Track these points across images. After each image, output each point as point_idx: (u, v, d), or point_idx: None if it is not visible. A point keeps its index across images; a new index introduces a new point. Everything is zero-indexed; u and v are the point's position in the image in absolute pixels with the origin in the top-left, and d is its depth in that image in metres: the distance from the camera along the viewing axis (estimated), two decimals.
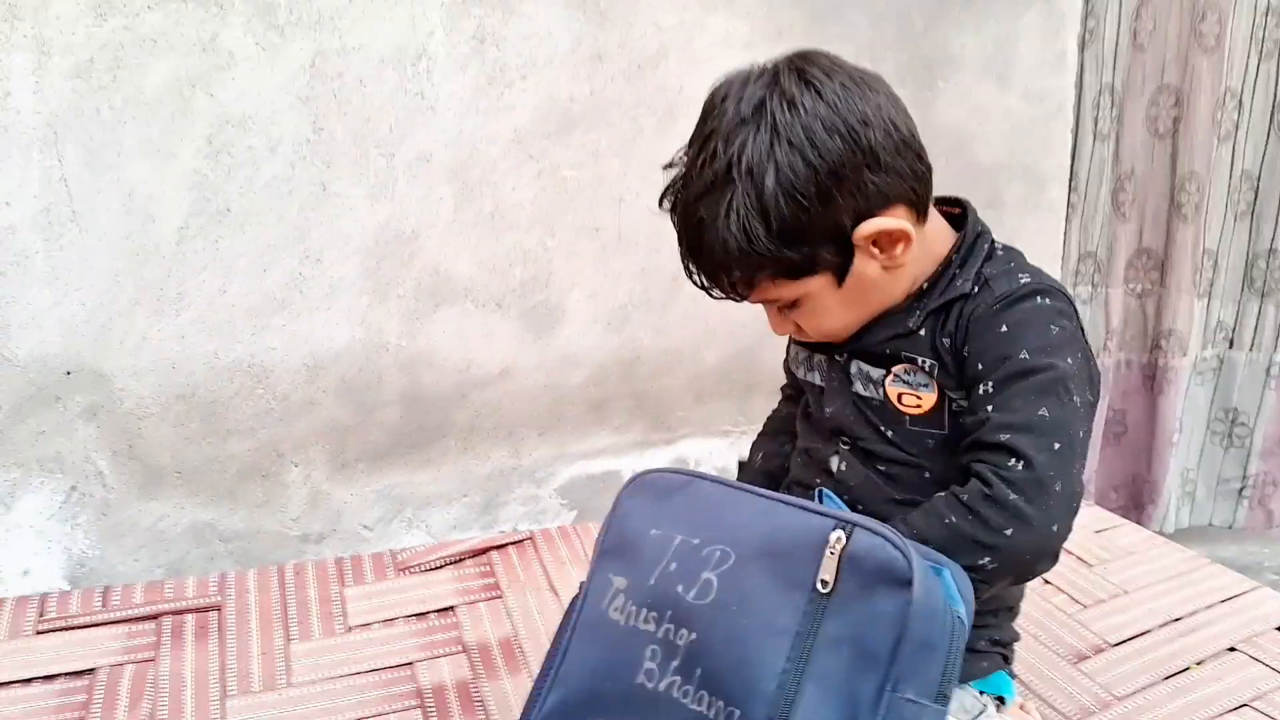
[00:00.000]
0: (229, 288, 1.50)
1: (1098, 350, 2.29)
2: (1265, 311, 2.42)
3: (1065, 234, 2.16)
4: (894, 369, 0.90)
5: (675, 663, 0.76)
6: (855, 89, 0.82)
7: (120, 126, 1.40)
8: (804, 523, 0.77)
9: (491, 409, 1.67)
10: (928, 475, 0.90)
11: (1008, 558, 0.80)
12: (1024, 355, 0.82)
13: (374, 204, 1.55)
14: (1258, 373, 2.44)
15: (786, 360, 1.10)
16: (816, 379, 0.97)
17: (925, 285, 0.89)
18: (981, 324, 0.85)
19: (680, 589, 0.78)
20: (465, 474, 1.68)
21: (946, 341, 0.87)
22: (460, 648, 1.30)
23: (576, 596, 0.88)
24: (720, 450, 1.82)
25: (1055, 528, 0.80)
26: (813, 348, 0.97)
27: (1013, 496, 0.79)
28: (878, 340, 0.90)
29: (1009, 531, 0.79)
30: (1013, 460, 0.80)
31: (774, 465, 1.09)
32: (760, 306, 0.92)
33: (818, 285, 0.85)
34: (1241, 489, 2.47)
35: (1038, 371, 0.82)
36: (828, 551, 0.73)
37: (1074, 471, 0.81)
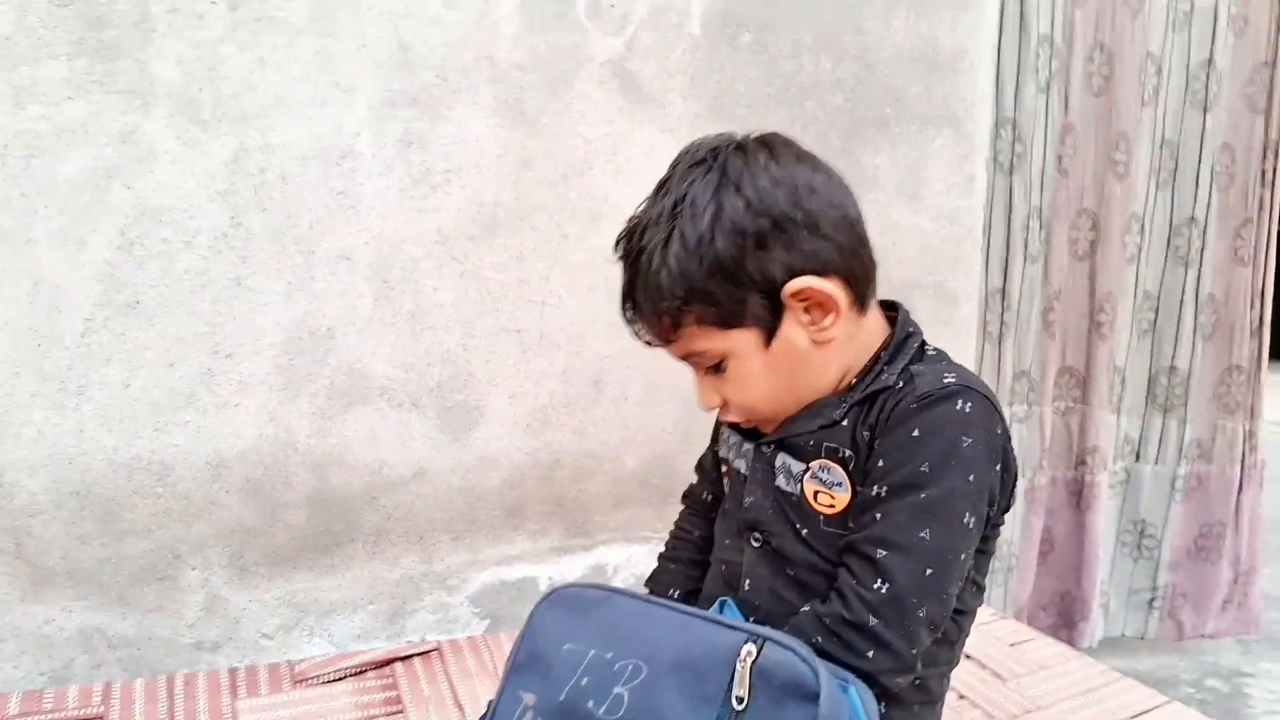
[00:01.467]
0: (133, 381, 1.45)
1: (1034, 469, 2.32)
2: (1168, 426, 2.51)
3: (1000, 353, 2.21)
4: (812, 465, 0.89)
5: None
6: (810, 164, 0.87)
7: (31, 215, 1.38)
8: (716, 637, 0.77)
9: (403, 512, 1.63)
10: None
11: (868, 677, 0.81)
12: (924, 468, 0.82)
13: (290, 300, 1.53)
14: (1163, 485, 2.51)
15: (705, 455, 1.10)
16: (742, 466, 0.97)
17: (854, 380, 0.90)
18: (896, 419, 0.85)
19: (591, 704, 0.77)
20: (373, 580, 1.62)
21: (866, 434, 0.87)
22: None
23: (484, 716, 0.85)
24: (639, 557, 1.79)
25: (914, 651, 0.82)
26: (743, 434, 0.97)
27: (872, 621, 0.80)
28: (806, 431, 0.90)
29: (870, 654, 0.81)
30: (878, 581, 0.81)
31: (674, 580, 1.08)
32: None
33: (744, 343, 0.86)
34: (1151, 600, 2.51)
35: (931, 487, 0.82)
36: (739, 664, 0.74)
37: (944, 596, 0.82)
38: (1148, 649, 2.49)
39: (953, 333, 2.06)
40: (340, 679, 1.40)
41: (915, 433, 0.83)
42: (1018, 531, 2.30)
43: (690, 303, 0.84)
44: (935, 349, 0.93)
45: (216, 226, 1.47)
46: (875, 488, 0.84)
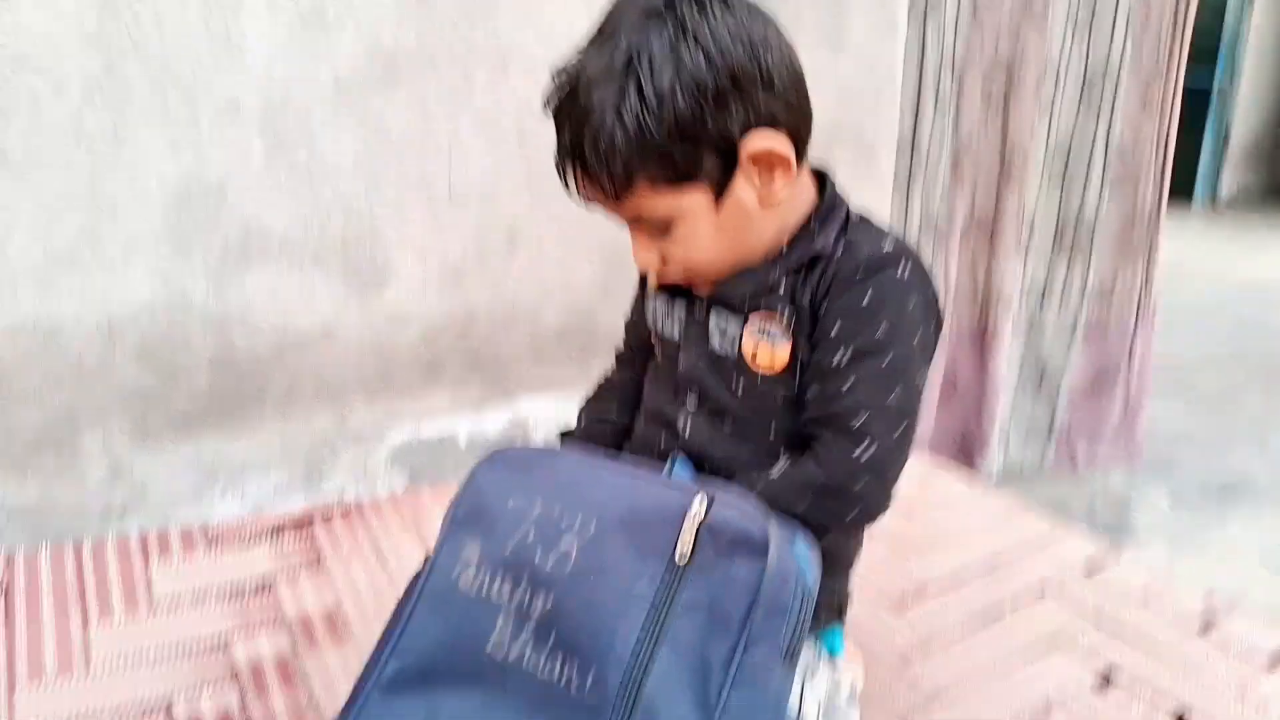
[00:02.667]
0: (8, 242, 1.36)
1: None
2: (1072, 272, 2.58)
3: (907, 201, 2.22)
4: (752, 318, 0.89)
5: (527, 631, 0.75)
6: (761, 17, 0.83)
7: None
8: (665, 496, 0.78)
9: (313, 371, 1.59)
10: (772, 436, 0.91)
11: (859, 528, 0.89)
12: (880, 335, 0.84)
13: (175, 153, 1.43)
14: (1064, 329, 2.60)
15: (633, 320, 1.07)
16: (674, 333, 0.96)
17: (785, 246, 0.89)
18: (843, 284, 0.85)
19: (537, 558, 0.77)
20: (285, 440, 1.59)
21: (808, 298, 0.87)
22: (280, 622, 1.23)
23: (419, 570, 0.84)
24: (560, 409, 1.79)
25: (889, 503, 0.86)
26: (674, 293, 0.95)
27: (856, 486, 0.83)
28: (739, 292, 0.89)
29: (852, 513, 0.85)
30: (859, 448, 0.83)
31: (597, 431, 1.07)
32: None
33: (694, 203, 0.83)
34: (1049, 435, 2.64)
35: (890, 351, 0.84)
36: (686, 522, 0.75)
37: (909, 450, 0.87)
38: (1041, 481, 2.63)
39: (870, 181, 2.05)
40: (257, 540, 1.39)
41: (865, 300, 0.84)
42: None
43: (646, 163, 0.80)
44: (860, 215, 0.92)
45: (88, 74, 1.36)
46: (835, 355, 0.85)
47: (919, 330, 0.86)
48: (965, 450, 2.53)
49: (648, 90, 0.78)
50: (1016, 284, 2.48)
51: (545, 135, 1.73)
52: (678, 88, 0.78)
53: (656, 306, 0.99)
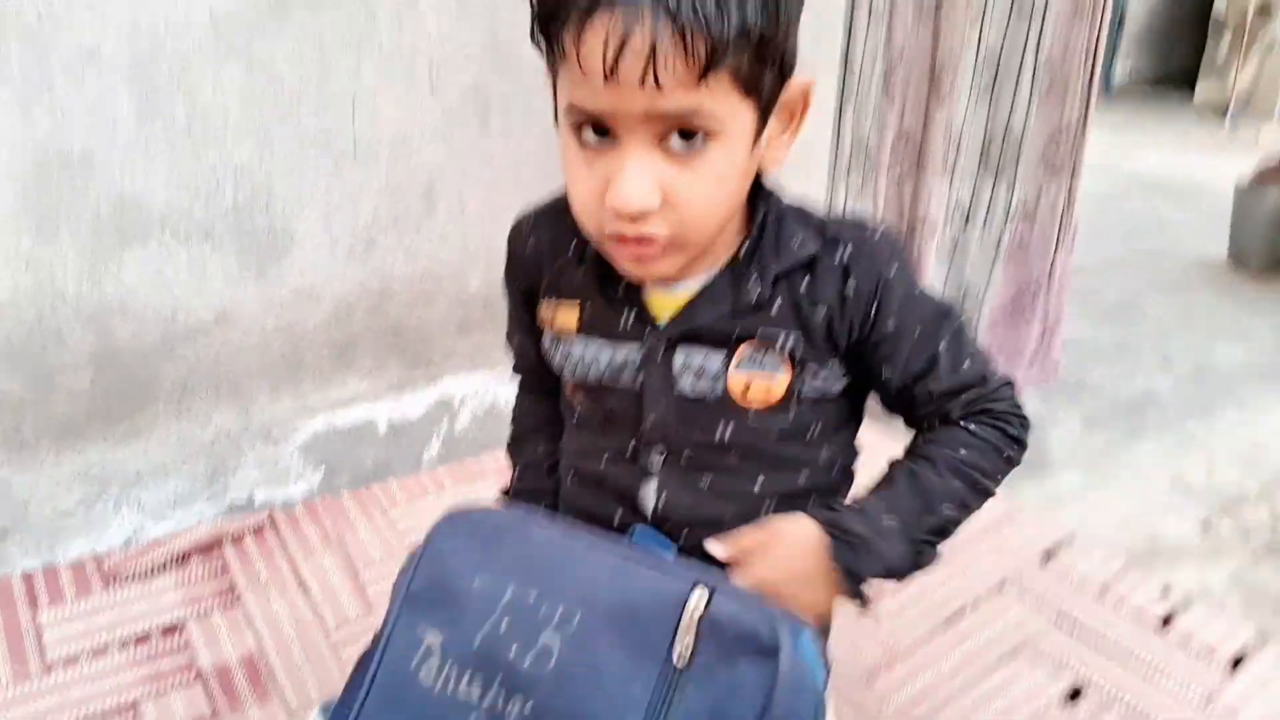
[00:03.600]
0: None
1: None
2: (997, 189, 2.53)
3: (839, 123, 2.11)
4: (739, 351, 0.78)
5: None
6: None
7: None
8: (658, 583, 0.69)
9: (209, 362, 1.41)
10: (757, 487, 0.81)
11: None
12: (931, 310, 0.81)
13: (26, 116, 1.20)
14: (988, 248, 2.57)
15: (521, 342, 0.92)
16: (622, 381, 0.81)
17: (743, 248, 0.77)
18: (881, 297, 0.78)
19: (513, 654, 0.68)
20: (182, 441, 1.42)
21: (823, 311, 0.77)
22: (195, 675, 1.10)
23: (370, 649, 0.73)
24: (488, 385, 1.65)
25: None
26: (616, 332, 0.80)
27: (1026, 422, 0.84)
28: (714, 318, 0.77)
29: (1027, 446, 0.84)
30: (1003, 398, 0.83)
31: (542, 484, 0.94)
32: None
33: (742, 125, 0.67)
34: None
35: (949, 313, 0.83)
36: (684, 618, 0.67)
37: None
38: None
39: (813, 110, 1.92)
40: (160, 570, 1.23)
41: (907, 289, 0.80)
42: None
43: (741, 43, 0.63)
44: (789, 199, 0.82)
45: None
46: (940, 343, 0.81)
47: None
48: None
49: None
50: (942, 206, 2.42)
51: (462, 76, 1.52)
52: None
53: (574, 351, 0.83)
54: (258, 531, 1.33)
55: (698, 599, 0.67)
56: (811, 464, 0.83)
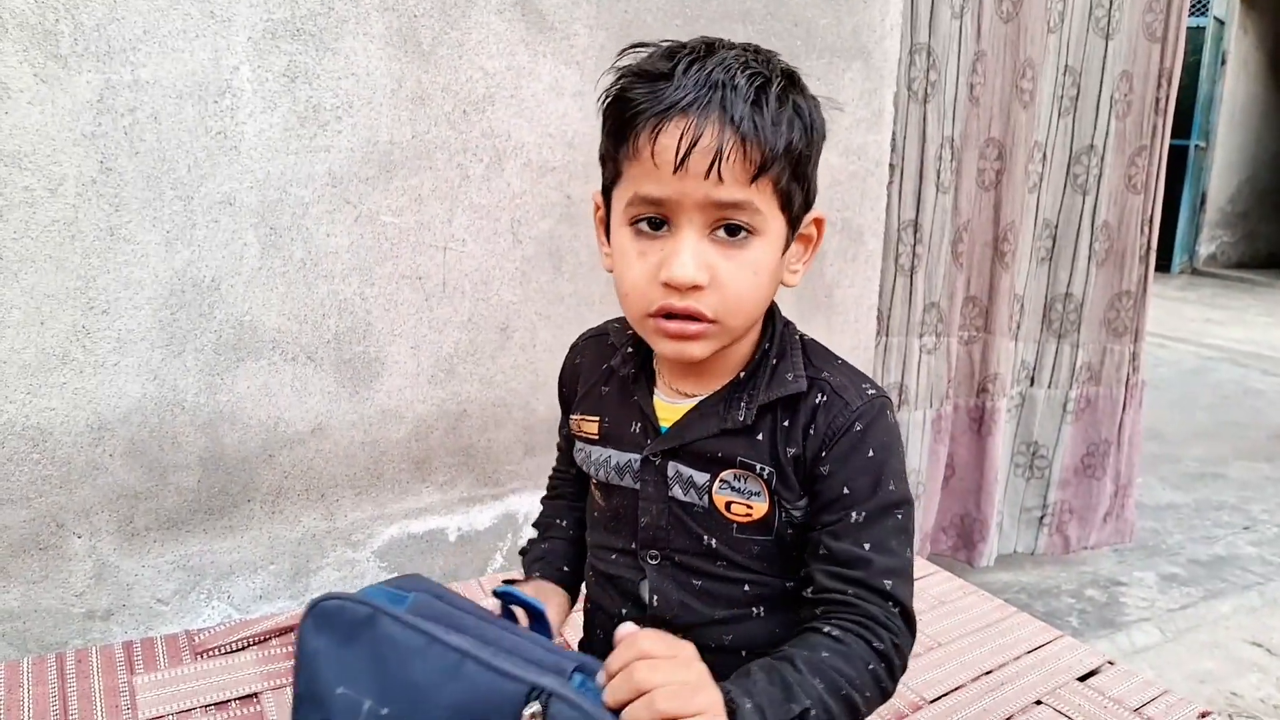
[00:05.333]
0: (0, 343, 1.34)
1: (940, 398, 2.37)
2: (1061, 350, 2.59)
3: (911, 286, 2.22)
4: (723, 474, 0.84)
5: None
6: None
7: None
8: (497, 689, 0.68)
9: (302, 469, 1.57)
10: (746, 588, 0.87)
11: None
12: (890, 488, 0.82)
13: (169, 250, 1.43)
14: (1055, 408, 2.60)
15: (575, 454, 0.99)
16: (628, 482, 0.89)
17: (744, 370, 0.85)
18: (847, 442, 0.82)
19: None
20: (272, 539, 1.57)
21: (792, 450, 0.83)
22: None
23: None
24: None
25: None
26: (620, 441, 0.88)
27: (900, 641, 0.80)
28: (704, 436, 0.84)
29: (898, 667, 0.80)
30: (896, 607, 0.80)
31: (556, 547, 1.02)
32: None
33: (777, 230, 0.80)
34: (1041, 517, 2.62)
35: (900, 507, 0.83)
36: None
37: None
38: (1033, 562, 2.62)
39: (859, 268, 2.07)
40: (243, 648, 1.36)
41: (870, 453, 0.82)
42: (925, 460, 2.36)
43: (788, 155, 0.76)
44: (804, 336, 0.89)
45: (84, 172, 1.35)
46: (854, 513, 0.82)
47: (905, 471, 0.85)
48: (965, 534, 2.51)
49: (802, 103, 0.78)
50: (1009, 364, 2.48)
51: (538, 227, 1.73)
52: (816, 115, 0.79)
53: (594, 453, 0.92)
54: None
55: (534, 708, 0.66)
56: (796, 573, 0.87)
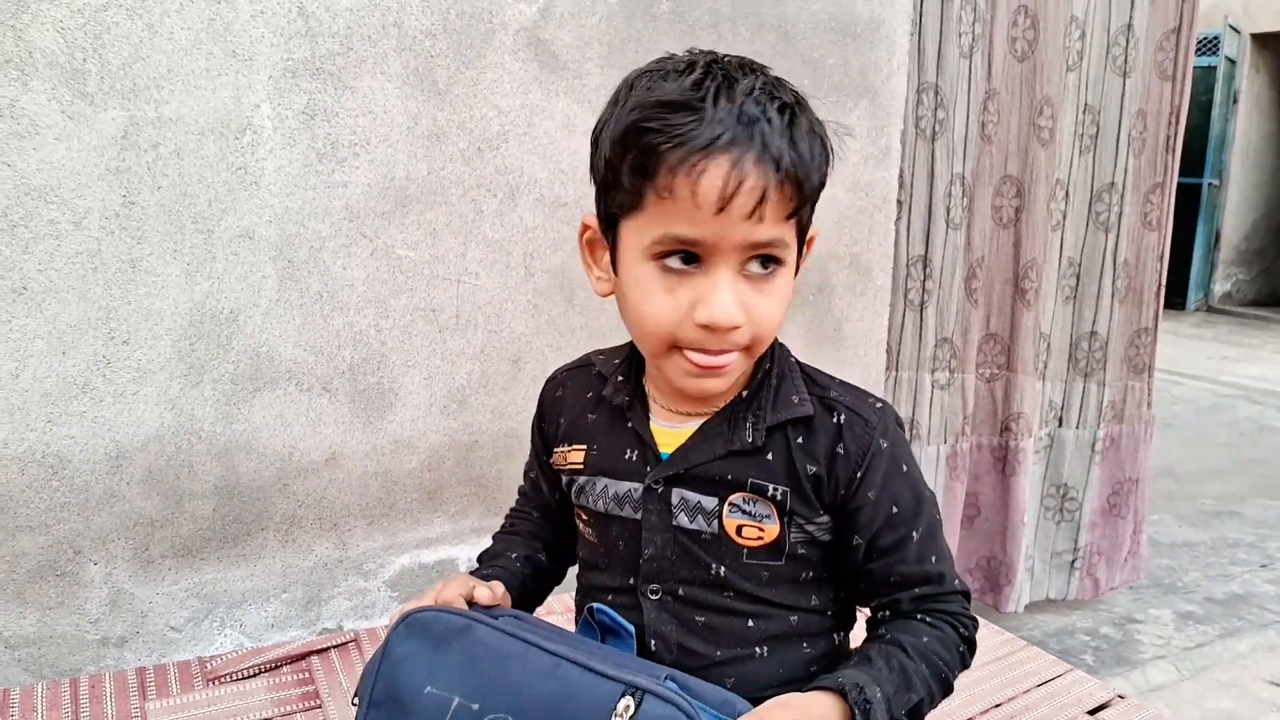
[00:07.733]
0: (23, 371, 1.37)
1: (956, 434, 2.37)
2: (1088, 389, 2.56)
3: (921, 322, 2.23)
4: (732, 498, 0.83)
5: None
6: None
7: None
8: (590, 687, 0.72)
9: (315, 498, 1.59)
10: (751, 624, 0.85)
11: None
12: (925, 494, 0.86)
13: (189, 282, 1.46)
14: (1084, 448, 2.57)
15: (534, 480, 1.02)
16: (628, 512, 0.87)
17: (745, 393, 0.84)
18: (880, 464, 0.83)
19: None
20: (285, 568, 1.58)
21: (813, 469, 0.82)
22: None
23: None
24: None
25: None
26: (625, 472, 0.87)
27: (973, 623, 0.87)
28: (710, 459, 0.83)
29: (975, 647, 0.88)
30: (964, 596, 0.88)
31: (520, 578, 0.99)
32: None
33: (792, 257, 0.80)
34: (1073, 561, 2.58)
35: (928, 506, 0.87)
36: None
37: None
38: (1051, 604, 2.59)
39: (867, 302, 2.08)
40: (254, 675, 1.37)
41: (904, 468, 0.85)
42: (940, 497, 2.35)
43: (803, 192, 0.75)
44: (797, 360, 0.90)
45: (107, 206, 1.39)
46: (913, 531, 0.85)
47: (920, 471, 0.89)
48: (991, 577, 2.47)
49: (820, 131, 0.77)
50: (1035, 404, 2.47)
51: (550, 261, 1.76)
52: (828, 146, 0.78)
53: (588, 484, 0.90)
54: (342, 647, 1.46)
55: (628, 703, 0.70)
56: (803, 608, 0.87)
